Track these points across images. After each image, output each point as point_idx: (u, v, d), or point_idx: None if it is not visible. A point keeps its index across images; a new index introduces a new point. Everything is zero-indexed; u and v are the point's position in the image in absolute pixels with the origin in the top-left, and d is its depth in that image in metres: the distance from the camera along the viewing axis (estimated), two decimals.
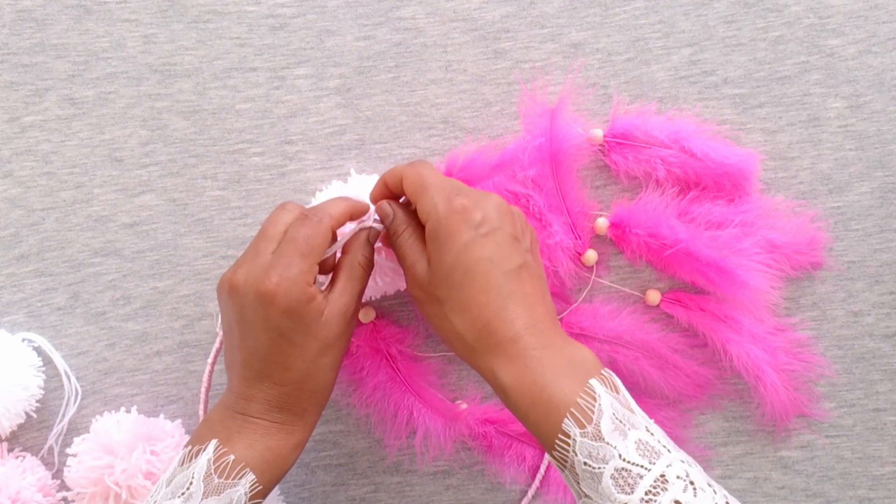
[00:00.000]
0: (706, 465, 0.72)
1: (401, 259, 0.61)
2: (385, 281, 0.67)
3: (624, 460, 0.50)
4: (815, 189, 0.73)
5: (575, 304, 0.72)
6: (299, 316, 0.57)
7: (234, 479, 0.55)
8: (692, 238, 0.68)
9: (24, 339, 0.71)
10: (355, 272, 0.60)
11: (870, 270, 0.73)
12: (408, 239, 0.60)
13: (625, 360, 0.70)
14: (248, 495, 0.56)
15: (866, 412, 0.73)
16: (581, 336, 0.70)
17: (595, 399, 0.52)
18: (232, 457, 0.56)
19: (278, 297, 0.56)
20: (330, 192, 0.69)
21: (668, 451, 0.52)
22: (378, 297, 0.70)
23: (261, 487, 0.56)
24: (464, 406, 0.72)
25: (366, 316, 0.71)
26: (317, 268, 0.58)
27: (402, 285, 0.69)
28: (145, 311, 0.72)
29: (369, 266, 0.62)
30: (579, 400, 0.52)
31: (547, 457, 0.71)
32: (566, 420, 0.52)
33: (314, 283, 0.58)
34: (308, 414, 0.59)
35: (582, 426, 0.52)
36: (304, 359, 0.58)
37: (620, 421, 0.52)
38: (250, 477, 0.56)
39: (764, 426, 0.72)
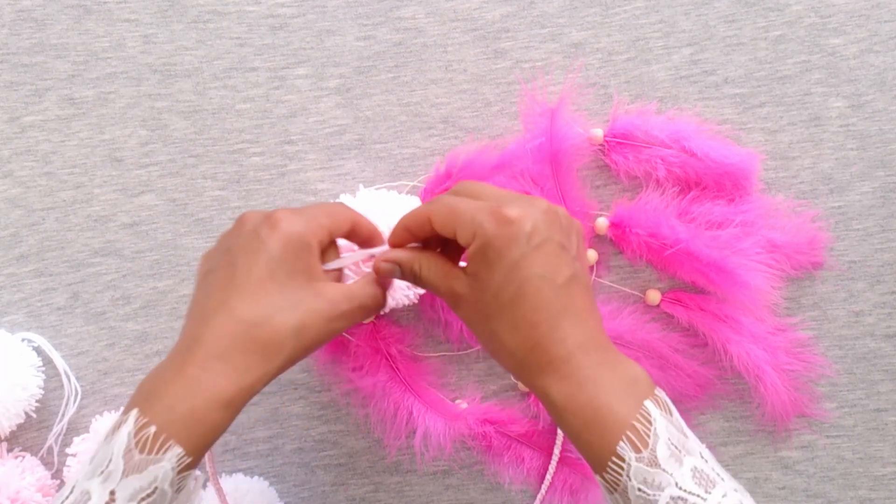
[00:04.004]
0: None
1: (434, 291, 0.57)
2: (396, 298, 0.67)
3: (680, 489, 0.49)
4: (816, 189, 0.72)
5: None
6: (295, 252, 0.54)
7: (157, 453, 0.49)
8: (692, 238, 0.68)
9: (24, 339, 0.71)
10: (367, 288, 0.58)
11: (871, 270, 0.72)
12: (430, 270, 0.57)
13: None
14: (176, 470, 0.50)
15: (867, 412, 0.72)
16: None
17: (651, 422, 0.51)
18: (153, 428, 0.49)
19: (283, 223, 0.54)
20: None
21: (722, 479, 0.50)
22: (385, 312, 0.70)
23: (190, 460, 0.50)
24: (464, 406, 0.72)
25: None
26: (328, 236, 0.56)
27: (409, 300, 0.68)
28: (145, 311, 0.72)
29: (375, 297, 0.58)
30: (635, 423, 0.50)
31: (554, 461, 0.71)
32: (621, 443, 0.50)
33: (321, 250, 0.56)
34: (247, 372, 0.52)
35: (637, 450, 0.50)
36: (274, 300, 0.53)
37: (676, 446, 0.50)
38: (177, 451, 0.50)
39: (764, 426, 0.72)
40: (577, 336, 0.53)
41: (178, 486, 0.50)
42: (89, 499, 0.49)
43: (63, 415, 0.71)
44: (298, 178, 0.73)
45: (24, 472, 0.68)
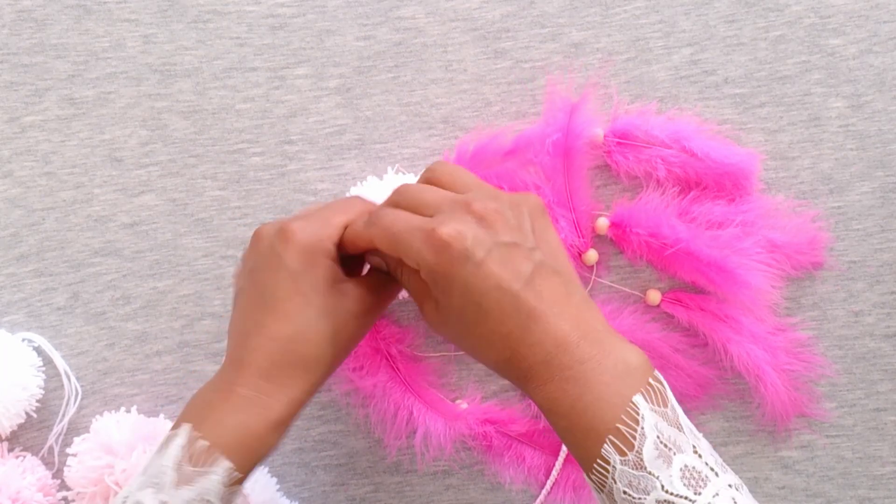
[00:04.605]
0: None
1: (412, 296, 0.57)
2: None
3: (666, 492, 0.48)
4: (816, 189, 0.73)
5: None
6: (313, 262, 0.54)
7: (207, 466, 0.51)
8: (693, 238, 0.68)
9: (24, 339, 0.71)
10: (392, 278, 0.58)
11: (870, 270, 0.72)
12: (409, 281, 0.56)
13: None
14: (225, 484, 0.51)
15: (867, 412, 0.73)
16: None
17: (638, 422, 0.49)
18: (205, 442, 0.51)
19: (297, 236, 0.54)
20: (366, 187, 0.69)
21: (717, 475, 0.49)
22: (404, 298, 0.70)
23: (238, 475, 0.52)
24: (464, 406, 0.72)
25: None
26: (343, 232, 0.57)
27: None
28: (145, 311, 0.72)
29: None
30: (620, 425, 0.49)
31: (559, 462, 0.71)
32: (605, 446, 0.49)
33: (337, 247, 0.56)
34: (293, 386, 0.54)
35: (623, 453, 0.49)
36: (304, 313, 0.54)
37: (665, 445, 0.49)
38: (226, 465, 0.51)
39: (764, 426, 0.72)
40: (553, 336, 0.51)
41: (226, 501, 0.52)
42: None
43: (63, 415, 0.71)
44: (298, 178, 0.73)
45: (25, 471, 0.68)
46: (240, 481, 0.52)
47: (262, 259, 0.56)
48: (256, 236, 0.57)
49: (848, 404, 0.73)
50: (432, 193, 0.55)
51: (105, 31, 0.73)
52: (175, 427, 0.53)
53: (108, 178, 0.73)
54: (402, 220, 0.53)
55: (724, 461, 0.70)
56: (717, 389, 0.72)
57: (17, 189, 0.73)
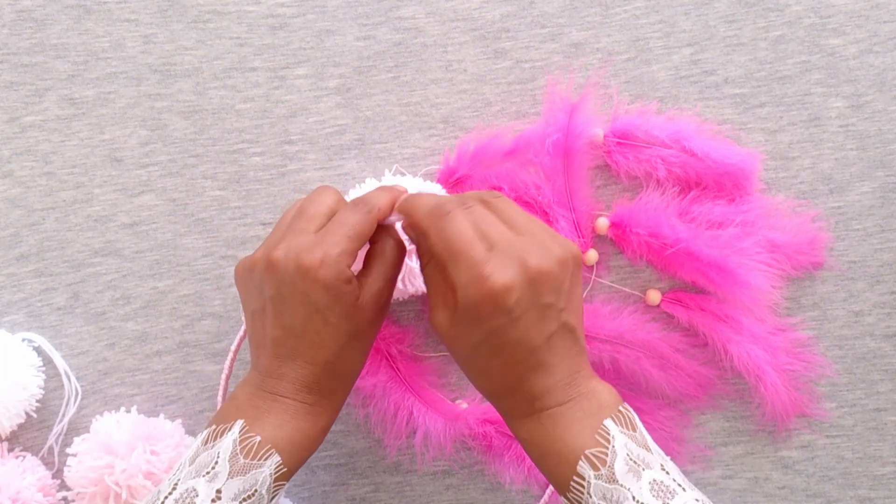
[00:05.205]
0: (707, 465, 0.72)
1: (427, 289, 0.58)
2: (415, 285, 0.67)
3: (637, 502, 0.51)
4: (816, 189, 0.73)
5: None
6: (337, 295, 0.56)
7: (259, 459, 0.55)
8: (693, 238, 0.68)
9: (24, 339, 0.71)
10: (388, 258, 0.59)
11: (871, 270, 0.72)
12: (432, 273, 0.57)
13: (626, 360, 0.70)
14: (273, 476, 0.55)
15: (867, 412, 0.73)
16: None
17: (609, 441, 0.53)
18: (258, 438, 0.55)
19: (320, 273, 0.55)
20: (365, 188, 0.69)
21: (684, 489, 0.52)
22: (405, 298, 0.70)
23: (286, 469, 0.56)
24: (464, 406, 0.72)
25: None
26: (357, 254, 0.58)
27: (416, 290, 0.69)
28: (145, 311, 0.72)
29: (400, 252, 0.60)
30: (593, 445, 0.53)
31: None
32: (580, 462, 0.53)
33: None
34: (335, 397, 0.59)
35: (596, 469, 0.52)
36: (336, 340, 0.57)
37: (635, 461, 0.53)
38: (276, 458, 0.55)
39: (764, 426, 0.72)
40: (545, 384, 0.55)
41: (273, 495, 0.56)
42: (196, 495, 0.54)
43: (63, 415, 0.71)
44: (298, 178, 0.73)
45: (25, 471, 0.68)
46: (286, 476, 0.56)
47: (286, 290, 0.56)
48: (272, 265, 0.56)
49: (848, 404, 0.73)
50: (497, 229, 0.55)
51: (105, 31, 0.73)
52: (218, 422, 0.57)
53: (108, 178, 0.73)
54: (465, 241, 0.54)
55: (723, 461, 0.71)
56: (717, 389, 0.72)
57: (17, 189, 0.73)
